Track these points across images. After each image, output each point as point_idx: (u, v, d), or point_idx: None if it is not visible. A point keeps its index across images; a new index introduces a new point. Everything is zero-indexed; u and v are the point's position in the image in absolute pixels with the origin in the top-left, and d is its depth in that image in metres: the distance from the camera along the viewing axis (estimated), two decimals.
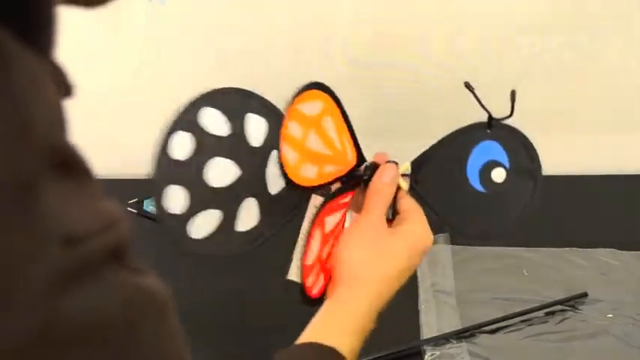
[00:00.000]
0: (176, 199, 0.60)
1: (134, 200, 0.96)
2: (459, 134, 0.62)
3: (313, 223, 0.58)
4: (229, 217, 0.61)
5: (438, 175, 0.62)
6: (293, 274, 0.59)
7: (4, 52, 0.24)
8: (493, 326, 0.78)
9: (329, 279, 0.58)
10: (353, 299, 0.55)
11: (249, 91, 0.63)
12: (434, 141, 0.64)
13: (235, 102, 0.62)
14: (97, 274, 0.27)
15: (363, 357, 0.75)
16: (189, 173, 0.60)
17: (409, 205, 0.60)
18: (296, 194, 0.60)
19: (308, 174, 0.57)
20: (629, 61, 0.98)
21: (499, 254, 0.88)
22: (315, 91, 0.57)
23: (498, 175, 0.61)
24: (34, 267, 0.24)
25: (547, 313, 0.80)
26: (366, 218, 0.58)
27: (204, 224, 0.60)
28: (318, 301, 0.57)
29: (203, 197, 0.60)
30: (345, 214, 0.61)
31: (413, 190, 0.61)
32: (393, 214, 0.60)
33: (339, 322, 0.54)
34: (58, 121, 0.27)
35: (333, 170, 0.59)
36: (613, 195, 0.98)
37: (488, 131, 0.62)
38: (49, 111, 0.26)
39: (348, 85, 1.01)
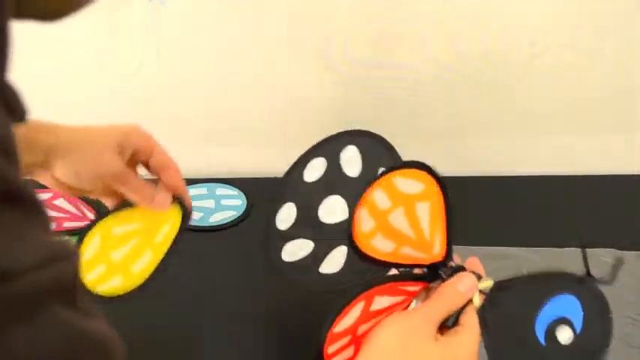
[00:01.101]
0: (287, 216, 0.62)
1: None
2: (552, 276, 0.59)
3: (359, 294, 0.55)
4: (319, 255, 0.61)
5: (510, 307, 0.58)
6: None
7: None
8: None
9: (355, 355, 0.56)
10: None
11: (392, 147, 0.62)
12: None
13: (377, 151, 0.62)
14: (35, 312, 0.25)
15: None
16: (308, 197, 0.61)
17: (470, 322, 0.56)
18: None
19: (381, 247, 0.56)
20: (629, 61, 0.98)
21: (499, 254, 0.88)
22: (421, 172, 0.54)
23: (564, 335, 0.57)
24: None
25: None
26: (419, 314, 0.55)
27: (296, 250, 0.61)
28: None
29: (307, 225, 0.61)
30: (407, 300, 0.58)
31: (482, 310, 0.57)
32: (453, 324, 0.56)
33: None
34: (3, 151, 0.26)
35: (412, 254, 0.57)
36: (613, 195, 0.98)
37: (577, 286, 0.58)
38: None
39: (348, 85, 1.01)
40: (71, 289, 0.28)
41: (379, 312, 0.57)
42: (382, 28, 0.94)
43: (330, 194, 0.61)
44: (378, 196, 0.54)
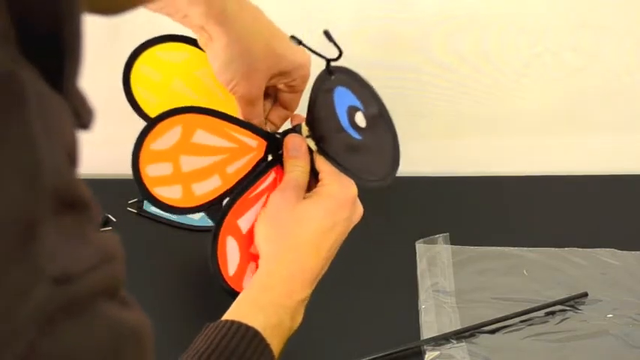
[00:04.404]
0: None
1: (134, 200, 0.96)
2: (315, 86, 0.60)
3: (221, 228, 0.57)
4: None
5: (325, 130, 0.61)
6: None
7: (22, 96, 0.25)
8: (493, 326, 0.78)
9: None
10: (266, 275, 0.55)
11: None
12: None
13: None
14: (86, 311, 0.28)
15: (363, 357, 0.75)
16: None
17: (320, 165, 0.60)
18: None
19: (204, 189, 0.57)
20: (629, 61, 0.98)
21: (499, 254, 0.88)
22: (166, 121, 0.54)
23: (360, 119, 0.58)
24: (22, 304, 0.25)
25: (547, 313, 0.80)
26: (272, 196, 0.58)
27: None
28: None
29: None
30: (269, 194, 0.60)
31: (319, 147, 0.60)
32: (315, 177, 0.60)
33: (254, 298, 0.54)
34: (70, 158, 0.28)
35: (241, 166, 0.59)
36: (613, 195, 0.98)
37: (332, 77, 0.58)
38: (61, 153, 0.27)
39: None
40: (119, 285, 0.30)
41: (253, 227, 0.58)
42: (382, 28, 0.94)
43: None
44: (154, 169, 0.54)
